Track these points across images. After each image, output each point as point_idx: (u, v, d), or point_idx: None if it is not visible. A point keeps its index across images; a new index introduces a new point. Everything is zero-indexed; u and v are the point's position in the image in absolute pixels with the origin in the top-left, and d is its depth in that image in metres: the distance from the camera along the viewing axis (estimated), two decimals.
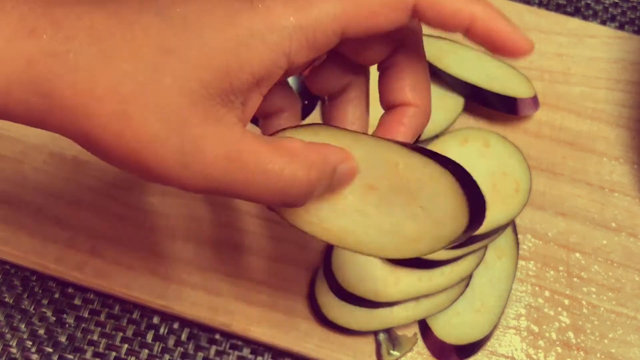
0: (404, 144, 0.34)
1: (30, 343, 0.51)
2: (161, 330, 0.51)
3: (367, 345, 0.50)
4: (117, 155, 0.31)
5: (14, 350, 0.51)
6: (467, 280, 0.50)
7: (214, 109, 0.30)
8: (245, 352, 0.51)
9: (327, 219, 0.35)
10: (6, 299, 0.52)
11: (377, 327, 0.49)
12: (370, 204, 0.34)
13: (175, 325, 0.52)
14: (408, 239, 0.34)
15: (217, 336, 0.51)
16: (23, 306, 0.52)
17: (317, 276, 0.50)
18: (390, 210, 0.34)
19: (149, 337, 0.51)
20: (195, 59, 0.29)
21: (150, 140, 0.29)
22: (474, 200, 0.33)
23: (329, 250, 0.50)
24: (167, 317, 0.52)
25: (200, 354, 0.51)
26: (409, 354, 0.49)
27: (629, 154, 0.56)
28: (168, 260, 0.52)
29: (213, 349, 0.51)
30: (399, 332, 0.50)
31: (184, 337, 0.51)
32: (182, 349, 0.51)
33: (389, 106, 0.37)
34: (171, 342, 0.51)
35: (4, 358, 0.50)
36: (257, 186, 0.31)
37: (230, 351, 0.51)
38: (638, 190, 0.55)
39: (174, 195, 0.53)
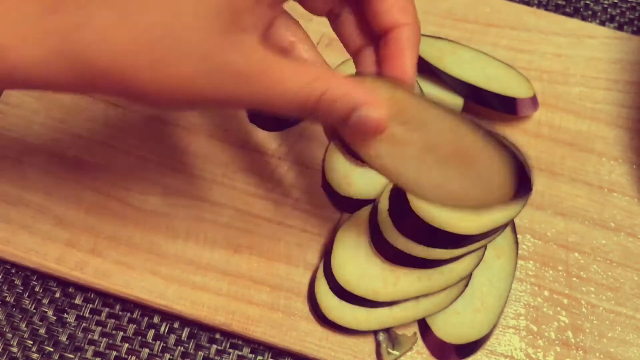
0: (472, 121, 0.38)
1: (31, 342, 0.51)
2: (161, 330, 0.51)
3: (366, 345, 0.50)
4: (160, 97, 0.33)
5: (14, 349, 0.51)
6: (466, 279, 0.50)
7: (233, 36, 0.33)
8: (245, 351, 0.51)
9: (384, 156, 0.39)
10: (7, 299, 0.52)
11: (376, 327, 0.49)
12: (428, 158, 0.38)
13: (176, 325, 0.52)
14: (454, 196, 0.39)
15: (218, 335, 0.51)
16: (24, 305, 0.52)
17: (317, 276, 0.50)
18: (445, 168, 0.38)
19: (150, 336, 0.51)
20: None
21: (184, 76, 0.33)
22: (522, 184, 0.38)
23: (328, 250, 0.50)
24: (168, 317, 0.52)
25: (201, 353, 0.51)
26: (409, 354, 0.49)
27: (627, 154, 0.56)
28: (168, 260, 0.52)
29: (213, 348, 0.51)
30: (399, 332, 0.50)
31: (184, 336, 0.51)
32: (182, 348, 0.51)
33: (380, 32, 0.39)
34: (171, 341, 0.51)
35: (5, 357, 0.50)
36: (277, 99, 0.35)
37: (231, 350, 0.51)
38: (637, 191, 0.55)
39: (175, 196, 0.54)
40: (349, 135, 0.39)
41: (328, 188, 0.53)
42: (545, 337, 0.50)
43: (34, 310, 0.52)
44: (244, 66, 0.34)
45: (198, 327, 0.51)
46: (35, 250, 0.52)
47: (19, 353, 0.51)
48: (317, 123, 0.39)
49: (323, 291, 0.50)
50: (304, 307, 0.51)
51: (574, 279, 0.52)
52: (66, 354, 0.51)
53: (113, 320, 0.52)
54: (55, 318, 0.52)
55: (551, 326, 0.51)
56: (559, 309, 0.51)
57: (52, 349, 0.51)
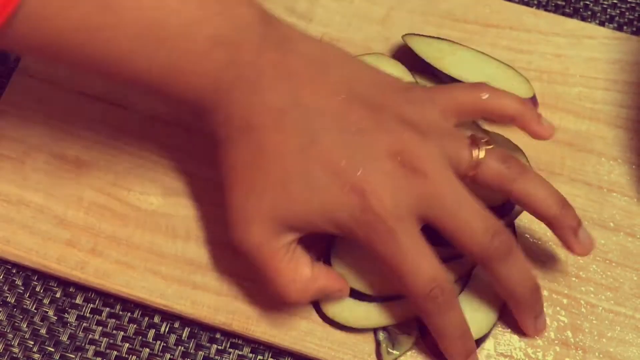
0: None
1: (32, 342, 0.51)
2: (162, 329, 0.52)
3: (366, 345, 0.50)
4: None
5: (15, 350, 0.51)
6: (465, 279, 0.51)
7: (279, 233, 0.46)
8: (246, 350, 0.51)
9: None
10: (8, 299, 0.52)
11: (375, 324, 0.50)
12: None
13: (176, 325, 0.52)
14: None
15: (218, 335, 0.51)
16: (25, 306, 0.52)
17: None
18: None
19: (150, 336, 0.52)
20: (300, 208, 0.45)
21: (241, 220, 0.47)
22: None
23: (328, 246, 0.51)
24: (168, 317, 0.52)
25: (201, 353, 0.51)
26: (409, 353, 0.50)
27: (627, 154, 0.56)
28: (169, 260, 0.52)
29: (214, 347, 0.51)
30: (398, 332, 0.50)
31: (184, 335, 0.51)
32: (182, 348, 0.51)
33: None
34: (172, 340, 0.51)
35: (6, 358, 0.51)
36: (268, 283, 0.47)
37: (231, 350, 0.51)
38: (636, 191, 0.55)
39: (175, 196, 0.54)
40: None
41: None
42: (544, 336, 0.50)
43: (35, 311, 0.52)
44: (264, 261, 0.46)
45: (198, 327, 0.52)
46: (35, 250, 0.52)
47: (20, 353, 0.51)
48: None
49: None
50: (304, 306, 0.51)
51: (573, 278, 0.52)
52: (67, 354, 0.51)
53: (114, 320, 0.52)
54: (56, 318, 0.52)
55: (551, 326, 0.51)
56: (558, 308, 0.51)
57: (52, 349, 0.51)
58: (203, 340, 0.51)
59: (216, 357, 0.51)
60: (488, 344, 0.50)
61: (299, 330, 0.50)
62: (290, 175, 0.44)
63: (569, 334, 0.51)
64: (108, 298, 0.52)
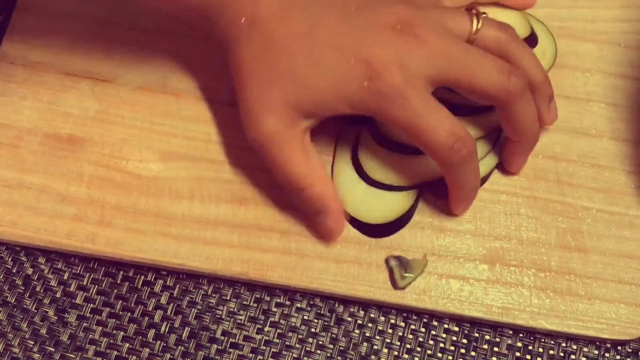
0: None
1: (32, 342, 0.52)
2: (162, 329, 0.52)
3: (380, 274, 0.51)
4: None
5: (16, 350, 0.51)
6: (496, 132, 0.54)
7: (293, 121, 0.48)
8: (246, 350, 0.52)
9: None
10: (8, 299, 0.53)
11: (420, 180, 0.52)
12: None
13: (177, 324, 0.52)
14: None
15: (218, 335, 0.52)
16: (25, 306, 0.53)
17: (361, 139, 0.53)
18: None
19: (150, 336, 0.52)
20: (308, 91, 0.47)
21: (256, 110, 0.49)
22: None
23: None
24: (168, 317, 0.52)
25: (201, 353, 0.51)
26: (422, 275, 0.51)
27: (597, 64, 0.59)
28: (177, 221, 0.53)
29: (214, 347, 0.52)
30: (408, 258, 0.52)
31: (184, 335, 0.52)
32: (182, 348, 0.51)
33: None
34: (172, 340, 0.52)
35: (6, 358, 0.51)
36: (279, 174, 0.50)
37: (231, 350, 0.52)
38: (612, 97, 0.57)
39: (173, 159, 0.55)
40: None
41: (355, 222, 0.53)
42: (547, 243, 0.53)
43: (35, 311, 0.53)
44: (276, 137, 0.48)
45: (199, 327, 0.52)
46: (44, 229, 0.52)
47: (20, 353, 0.51)
48: None
49: (367, 152, 0.53)
50: (315, 247, 0.52)
51: (566, 186, 0.55)
52: (67, 354, 0.51)
53: (114, 320, 0.52)
54: (56, 318, 0.52)
55: (550, 233, 0.53)
56: (556, 215, 0.54)
57: (53, 349, 0.51)
58: (203, 340, 0.52)
59: (216, 357, 0.51)
60: (497, 258, 0.52)
61: (313, 270, 0.51)
62: (297, 60, 0.46)
63: (569, 238, 0.53)
64: (108, 297, 0.53)
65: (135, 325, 0.52)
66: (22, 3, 0.60)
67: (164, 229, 0.52)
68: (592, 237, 0.53)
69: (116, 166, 0.54)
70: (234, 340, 0.52)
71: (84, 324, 0.52)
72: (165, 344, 0.52)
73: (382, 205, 0.52)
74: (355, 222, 0.53)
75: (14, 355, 0.51)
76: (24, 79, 0.57)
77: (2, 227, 0.52)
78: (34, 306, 0.53)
